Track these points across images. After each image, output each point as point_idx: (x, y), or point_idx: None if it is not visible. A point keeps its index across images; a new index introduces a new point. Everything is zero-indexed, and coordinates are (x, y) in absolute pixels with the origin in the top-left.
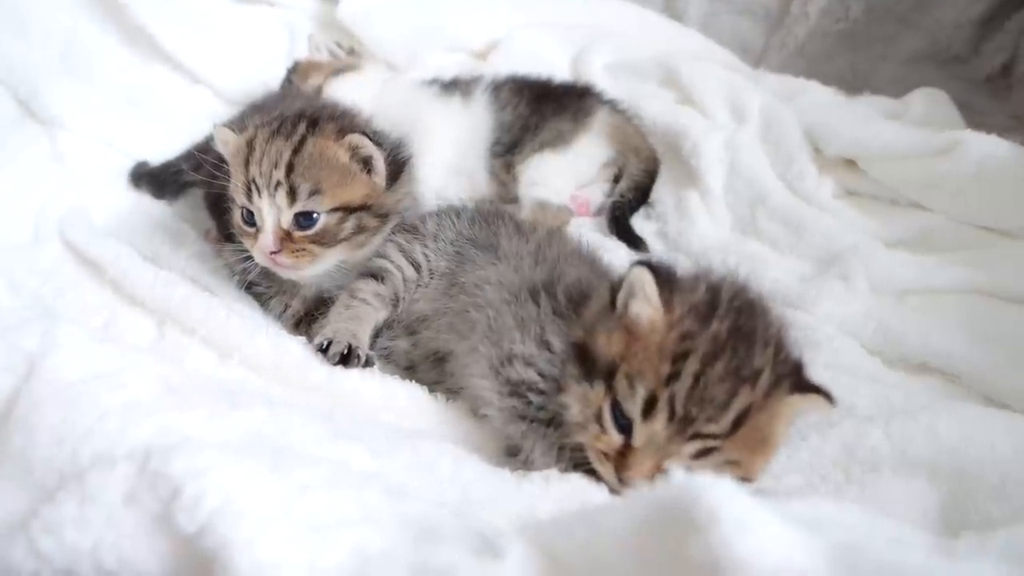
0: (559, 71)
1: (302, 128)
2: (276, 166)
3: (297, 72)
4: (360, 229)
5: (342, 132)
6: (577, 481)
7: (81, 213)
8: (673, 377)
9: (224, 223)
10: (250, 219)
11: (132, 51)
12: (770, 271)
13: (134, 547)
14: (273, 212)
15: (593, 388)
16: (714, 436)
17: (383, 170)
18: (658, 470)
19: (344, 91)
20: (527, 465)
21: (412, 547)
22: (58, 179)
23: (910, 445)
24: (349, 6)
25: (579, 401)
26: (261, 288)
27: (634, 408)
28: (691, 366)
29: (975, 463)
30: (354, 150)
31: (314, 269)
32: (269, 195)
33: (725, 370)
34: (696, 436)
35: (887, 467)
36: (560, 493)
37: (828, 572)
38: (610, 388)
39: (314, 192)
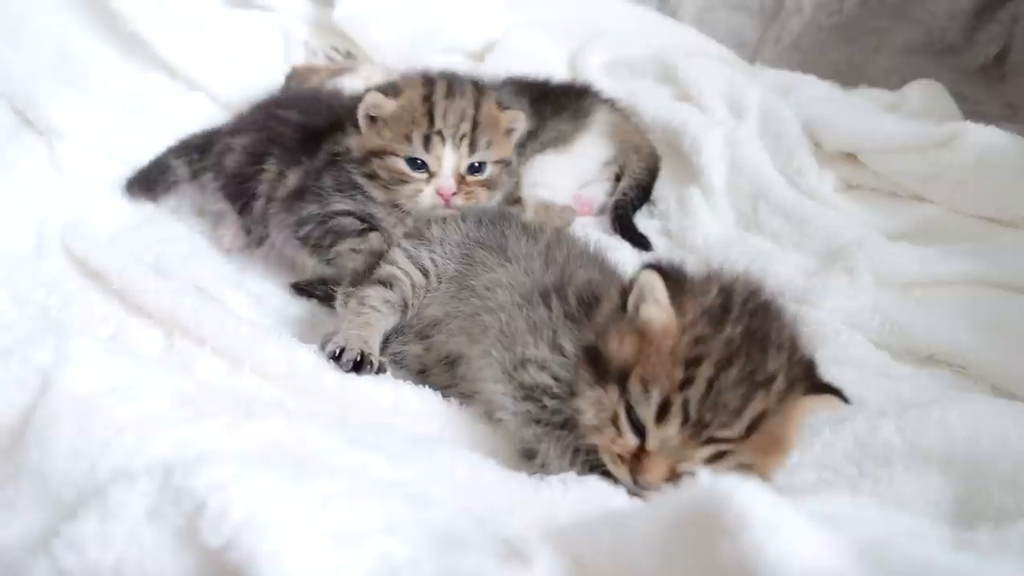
0: (556, 70)
1: (471, 91)
2: (463, 120)
3: (295, 77)
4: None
5: (499, 104)
6: (595, 484)
7: (83, 223)
8: (687, 382)
9: (248, 206)
10: (416, 166)
11: (128, 59)
12: (774, 266)
13: (158, 563)
14: (454, 159)
15: (607, 392)
16: (728, 440)
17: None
18: (672, 473)
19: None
20: (543, 469)
21: (438, 555)
22: (58, 189)
23: (922, 438)
24: (345, 9)
25: (593, 405)
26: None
27: (648, 413)
28: (705, 371)
29: (988, 455)
30: (510, 121)
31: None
32: (454, 145)
33: (739, 375)
34: (710, 441)
35: (899, 461)
36: (578, 496)
37: (857, 571)
38: (624, 392)
39: (488, 146)
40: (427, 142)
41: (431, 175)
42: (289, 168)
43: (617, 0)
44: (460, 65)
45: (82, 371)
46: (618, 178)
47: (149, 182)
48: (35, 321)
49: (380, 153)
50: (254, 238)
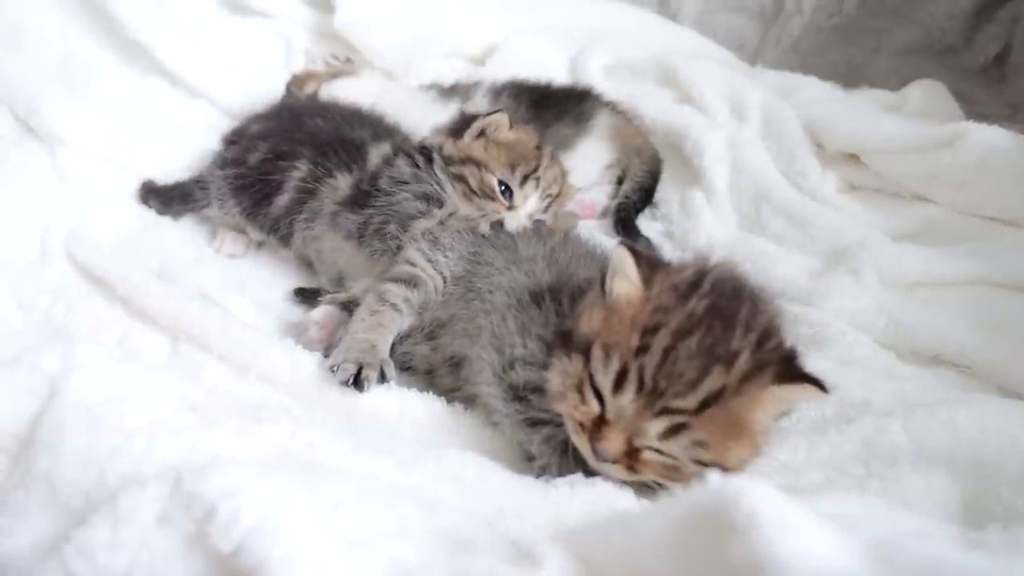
0: (557, 74)
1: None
2: (554, 184)
3: (294, 83)
4: None
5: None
6: (602, 486)
7: (86, 230)
8: (643, 349)
9: (267, 198)
10: (504, 191)
11: (129, 65)
12: (778, 268)
13: (169, 568)
14: (535, 205)
15: (572, 361)
16: (682, 412)
17: None
18: (630, 446)
19: (342, 94)
20: (545, 471)
21: (448, 558)
22: (61, 196)
23: (929, 438)
24: (345, 15)
25: (560, 374)
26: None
27: (606, 380)
28: (662, 340)
29: (995, 455)
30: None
31: None
32: (540, 197)
33: (698, 347)
34: (664, 412)
35: (906, 461)
36: (585, 499)
37: (869, 571)
38: (588, 360)
39: (553, 215)
40: (525, 180)
41: (511, 206)
42: (337, 171)
43: (617, 3)
44: (461, 69)
45: (90, 378)
46: (620, 181)
47: (169, 199)
48: (40, 328)
49: (480, 164)
50: (253, 241)
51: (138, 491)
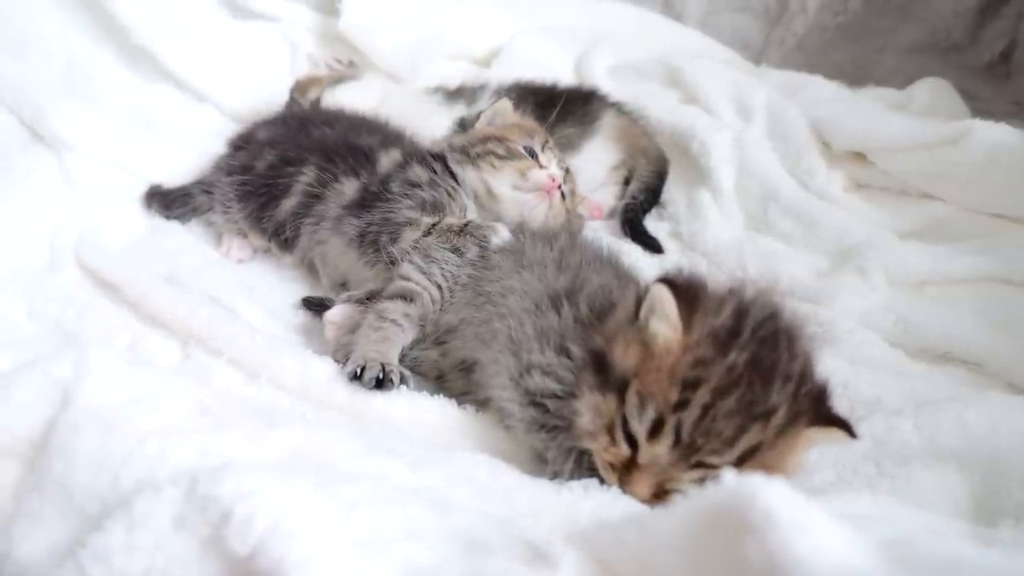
0: (562, 75)
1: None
2: (562, 162)
3: (297, 89)
4: None
5: None
6: (616, 489)
7: (95, 235)
8: (682, 404)
9: (274, 201)
10: (531, 154)
11: (134, 70)
12: (785, 267)
13: (185, 571)
14: (556, 170)
15: (605, 400)
16: (718, 468)
17: None
18: (660, 489)
19: (345, 100)
20: (558, 475)
21: (463, 559)
22: (69, 201)
23: (940, 436)
24: (350, 18)
25: (591, 410)
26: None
27: (640, 428)
28: (701, 397)
29: (1006, 452)
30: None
31: (553, 208)
32: (558, 166)
33: (737, 405)
34: (699, 465)
35: (917, 459)
36: (598, 501)
37: (885, 569)
38: (622, 402)
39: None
40: (544, 146)
41: (541, 166)
42: (343, 177)
43: (621, 4)
44: (466, 71)
45: (102, 383)
46: (627, 182)
47: (170, 202)
48: (51, 335)
49: (500, 139)
50: (260, 246)
51: (153, 495)
